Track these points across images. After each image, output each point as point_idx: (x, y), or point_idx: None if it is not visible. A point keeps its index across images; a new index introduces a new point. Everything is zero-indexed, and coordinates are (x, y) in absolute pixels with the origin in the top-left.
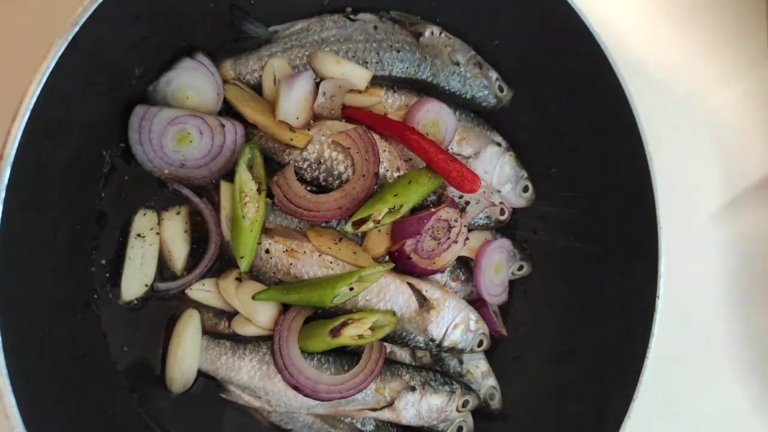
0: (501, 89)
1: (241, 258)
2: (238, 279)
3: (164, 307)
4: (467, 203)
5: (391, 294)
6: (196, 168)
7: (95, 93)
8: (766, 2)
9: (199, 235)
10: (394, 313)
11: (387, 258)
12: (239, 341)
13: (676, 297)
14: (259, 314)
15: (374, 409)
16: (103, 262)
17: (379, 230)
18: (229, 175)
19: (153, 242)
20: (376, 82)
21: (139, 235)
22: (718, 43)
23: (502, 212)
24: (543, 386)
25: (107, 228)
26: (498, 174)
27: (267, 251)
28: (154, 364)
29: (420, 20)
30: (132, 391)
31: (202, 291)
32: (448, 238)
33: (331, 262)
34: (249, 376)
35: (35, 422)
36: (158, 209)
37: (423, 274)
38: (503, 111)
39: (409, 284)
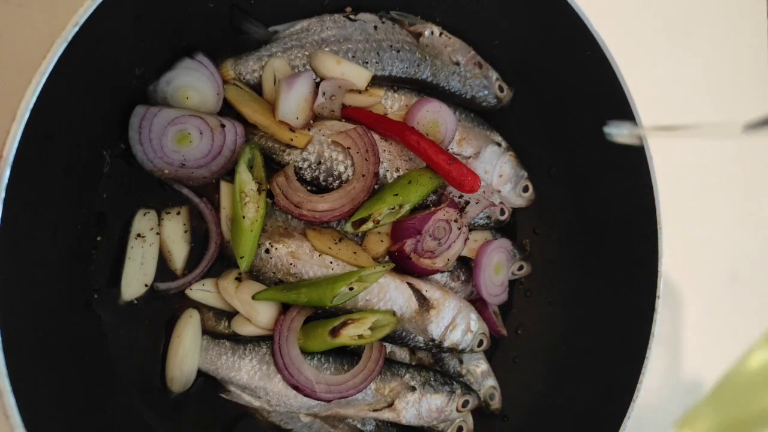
0: (501, 89)
1: (241, 258)
2: (238, 279)
3: (164, 307)
4: (467, 203)
5: (391, 294)
6: (196, 168)
7: (95, 93)
8: (766, 2)
9: (199, 235)
10: (394, 313)
11: (387, 258)
12: (239, 341)
13: (677, 296)
14: (259, 314)
15: (374, 409)
16: (103, 262)
17: (379, 230)
18: (229, 175)
19: (153, 242)
20: (376, 82)
21: (139, 235)
22: (718, 43)
23: (502, 212)
24: (543, 386)
25: (107, 228)
26: (498, 174)
27: (267, 251)
28: (154, 364)
29: (420, 20)
30: (132, 391)
31: (202, 291)
32: (448, 238)
33: (331, 262)
34: (249, 376)
35: (35, 422)
36: (158, 209)
37: (423, 274)
38: (503, 111)
39: (409, 284)
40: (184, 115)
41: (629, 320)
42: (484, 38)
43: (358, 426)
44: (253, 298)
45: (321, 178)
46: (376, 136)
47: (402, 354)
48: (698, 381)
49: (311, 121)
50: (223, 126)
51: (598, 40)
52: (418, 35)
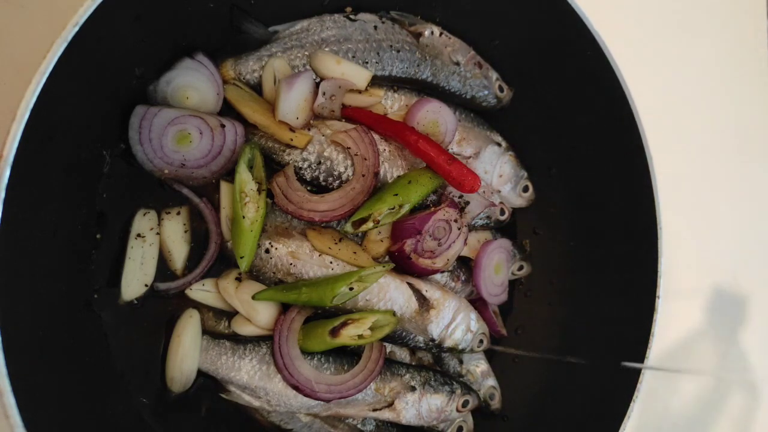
0: (501, 89)
1: (241, 258)
2: (238, 279)
3: (164, 307)
4: (467, 203)
5: (391, 294)
6: (196, 168)
7: (95, 93)
8: (766, 2)
9: (199, 235)
10: (394, 313)
11: (387, 258)
12: (239, 341)
13: (677, 297)
14: (258, 314)
15: (374, 409)
16: (103, 262)
17: (379, 230)
18: (229, 175)
19: (153, 242)
20: (376, 82)
21: (139, 235)
22: (718, 43)
23: (502, 212)
24: (543, 386)
25: (107, 228)
26: (498, 174)
27: (267, 251)
28: (154, 364)
29: (420, 20)
30: (132, 391)
31: (202, 291)
32: (448, 238)
33: (331, 262)
34: (249, 376)
35: (35, 422)
36: (158, 209)
37: (423, 274)
38: (503, 111)
39: (409, 284)
40: (184, 115)
41: (629, 320)
42: (484, 38)
43: (358, 426)
44: (253, 298)
45: (321, 178)
46: (376, 136)
47: (402, 354)
48: (698, 381)
49: (311, 121)
50: (223, 126)
51: (598, 40)
52: (418, 35)
